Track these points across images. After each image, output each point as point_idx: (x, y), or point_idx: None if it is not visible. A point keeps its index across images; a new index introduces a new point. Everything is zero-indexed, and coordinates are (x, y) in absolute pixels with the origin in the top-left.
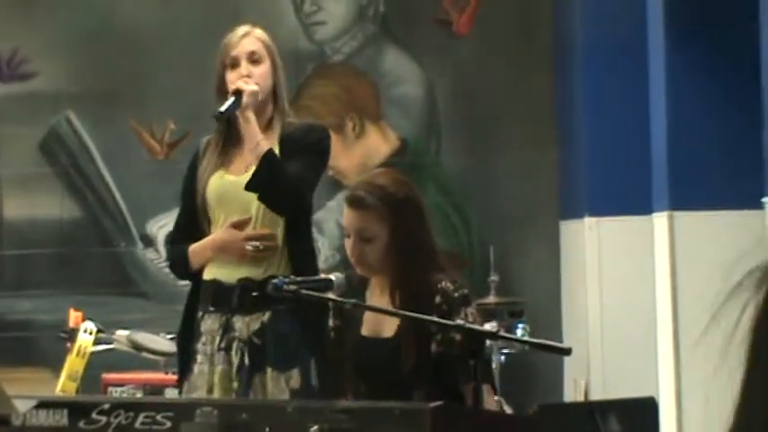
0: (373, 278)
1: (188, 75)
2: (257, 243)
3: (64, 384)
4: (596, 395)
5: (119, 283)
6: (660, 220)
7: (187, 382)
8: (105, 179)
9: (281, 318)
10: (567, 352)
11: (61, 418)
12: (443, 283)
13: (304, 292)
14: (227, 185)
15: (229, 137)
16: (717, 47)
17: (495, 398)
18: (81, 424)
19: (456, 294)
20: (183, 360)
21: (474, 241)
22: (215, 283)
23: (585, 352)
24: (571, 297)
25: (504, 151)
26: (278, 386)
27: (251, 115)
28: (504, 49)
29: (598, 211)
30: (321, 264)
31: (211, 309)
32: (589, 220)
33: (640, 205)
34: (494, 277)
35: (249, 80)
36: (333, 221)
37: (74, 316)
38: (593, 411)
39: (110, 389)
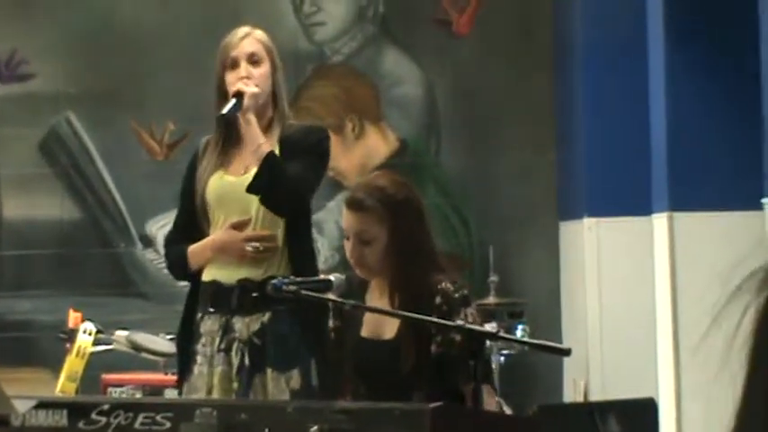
0: (373, 280)
1: (187, 75)
2: (257, 244)
3: (63, 385)
4: (596, 396)
5: (118, 284)
6: (660, 220)
7: (187, 383)
8: (105, 180)
9: (281, 318)
10: (567, 353)
11: (61, 419)
12: (443, 284)
13: (304, 292)
14: (227, 186)
15: (229, 137)
16: (717, 47)
17: (496, 398)
18: (80, 424)
19: (456, 295)
20: (183, 361)
21: (473, 242)
22: (214, 284)
23: (585, 353)
24: (571, 298)
25: (504, 152)
26: (278, 387)
27: (252, 117)
28: (504, 49)
29: (597, 212)
30: (321, 264)
31: (211, 310)
32: (588, 221)
33: (640, 206)
34: (493, 278)
35: (249, 82)
36: (332, 222)
37: (73, 316)
38: (593, 412)
39: (109, 389)
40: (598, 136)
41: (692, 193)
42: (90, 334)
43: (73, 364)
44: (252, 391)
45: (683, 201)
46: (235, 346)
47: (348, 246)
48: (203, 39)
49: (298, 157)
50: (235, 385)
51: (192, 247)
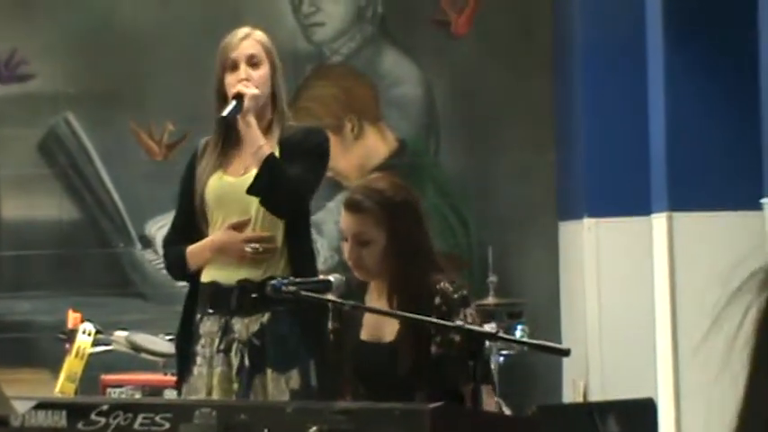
0: (372, 282)
1: (187, 76)
2: (257, 245)
3: (63, 385)
4: (595, 396)
5: (117, 284)
6: (659, 220)
7: (186, 384)
8: (104, 180)
9: (281, 319)
10: (566, 353)
11: (60, 419)
12: (442, 284)
13: (303, 293)
14: (226, 187)
15: (228, 138)
16: (716, 47)
17: (495, 399)
18: (80, 425)
19: (455, 295)
20: (182, 362)
21: (473, 242)
22: (213, 285)
23: (584, 353)
24: (570, 298)
25: (503, 152)
26: (278, 387)
27: (252, 120)
28: (503, 49)
29: (597, 212)
30: (320, 265)
31: (210, 311)
32: (588, 221)
33: (639, 206)
34: (493, 278)
35: (249, 84)
36: (332, 222)
37: (72, 317)
38: (592, 412)
39: (108, 390)
40: (597, 136)
41: (692, 194)
42: (89, 334)
43: (72, 365)
44: (252, 392)
45: (682, 201)
46: (234, 346)
47: (346, 247)
48: (202, 39)
49: (297, 158)
50: (235, 386)
51: (191, 248)
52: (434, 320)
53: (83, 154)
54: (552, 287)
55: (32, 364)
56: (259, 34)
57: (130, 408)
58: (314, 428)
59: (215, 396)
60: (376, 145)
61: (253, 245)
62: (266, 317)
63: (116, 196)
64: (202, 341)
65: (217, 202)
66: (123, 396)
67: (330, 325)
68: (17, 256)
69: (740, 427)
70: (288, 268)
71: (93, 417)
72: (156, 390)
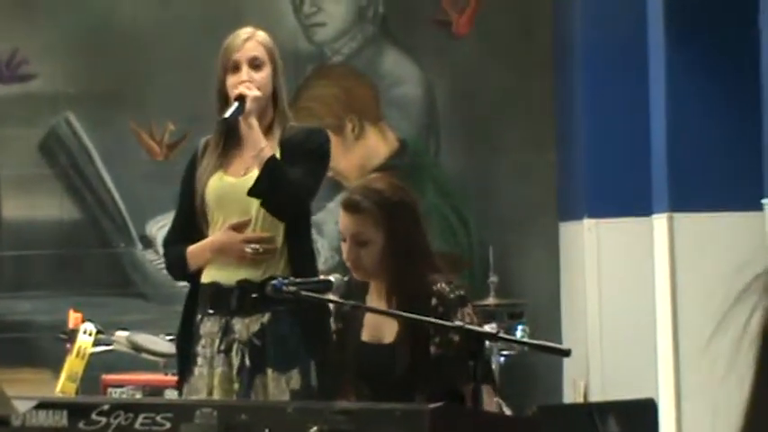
0: (372, 282)
1: (187, 76)
2: (257, 246)
3: (63, 385)
4: (595, 396)
5: (118, 284)
6: (660, 221)
7: (187, 384)
8: (104, 180)
9: (281, 319)
10: (567, 353)
11: (61, 419)
12: (439, 285)
13: (303, 293)
14: (227, 187)
15: (229, 138)
16: (717, 47)
17: (495, 399)
18: (80, 425)
19: (452, 296)
20: (183, 363)
21: (473, 242)
22: (214, 285)
23: (585, 353)
24: (570, 298)
25: (504, 152)
26: (278, 387)
27: (254, 122)
28: (504, 49)
29: (597, 213)
30: (320, 265)
31: (210, 311)
32: (588, 222)
33: (640, 207)
34: (493, 278)
35: (251, 85)
36: (332, 223)
37: (73, 317)
38: (593, 412)
39: (109, 390)
40: (598, 136)
41: (692, 194)
42: (90, 334)
43: (73, 365)
44: (253, 392)
45: (683, 201)
46: (235, 347)
47: (345, 247)
48: (203, 39)
49: (298, 160)
50: (235, 386)
51: (191, 248)
52: (435, 321)
53: (83, 154)
54: (553, 287)
55: (33, 364)
56: (261, 35)
57: (131, 408)
58: (314, 428)
59: (216, 396)
60: (377, 145)
61: (253, 245)
62: (267, 317)
63: (117, 196)
64: (203, 341)
65: (217, 202)
66: (124, 396)
67: (333, 326)
68: (18, 256)
69: (746, 427)
70: (288, 268)
71: (93, 416)
72: (157, 390)
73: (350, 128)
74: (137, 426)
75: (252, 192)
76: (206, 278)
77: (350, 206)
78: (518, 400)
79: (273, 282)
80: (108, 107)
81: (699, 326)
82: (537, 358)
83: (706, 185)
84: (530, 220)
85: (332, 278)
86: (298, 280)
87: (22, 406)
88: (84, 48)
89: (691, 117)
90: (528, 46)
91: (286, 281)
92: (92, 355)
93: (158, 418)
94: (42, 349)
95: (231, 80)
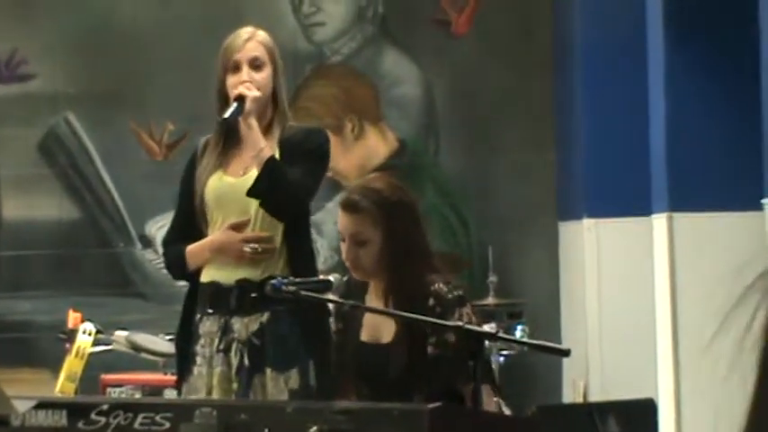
0: (371, 282)
1: (187, 76)
2: (256, 245)
3: (63, 385)
4: (595, 396)
5: (117, 284)
6: (659, 221)
7: (186, 384)
8: (104, 180)
9: (280, 318)
10: (566, 353)
11: (60, 419)
12: (437, 285)
13: (303, 293)
14: (226, 187)
15: (229, 138)
16: (716, 47)
17: (495, 399)
18: (80, 424)
19: (450, 296)
20: (182, 362)
21: (473, 242)
22: (213, 285)
23: (584, 353)
24: (570, 298)
25: (503, 152)
26: (277, 386)
27: (253, 122)
28: (504, 49)
29: (597, 213)
30: (320, 264)
31: (210, 311)
32: (588, 222)
33: (639, 206)
34: (492, 278)
35: (251, 86)
36: (332, 222)
37: (73, 317)
38: (592, 412)
39: (108, 389)
40: (597, 136)
41: (692, 194)
42: (89, 334)
43: (72, 365)
44: (251, 392)
45: (682, 201)
46: (234, 346)
47: (344, 247)
48: (203, 39)
49: (298, 160)
50: (234, 386)
51: (191, 248)
52: (435, 321)
53: (83, 154)
54: (552, 287)
55: (33, 364)
56: (262, 35)
57: (131, 407)
58: (314, 428)
59: (215, 396)
60: (376, 145)
61: (252, 245)
62: (266, 316)
63: (116, 196)
64: (202, 341)
65: (216, 202)
66: (123, 396)
67: (333, 326)
68: (17, 256)
69: (750, 426)
70: (287, 268)
71: (93, 416)
72: (156, 389)
73: (349, 128)
74: (136, 425)
75: (251, 192)
76: (205, 278)
77: (349, 206)
78: (517, 400)
79: (273, 281)
80: (107, 107)
81: (698, 326)
82: (536, 358)
83: (705, 185)
84: (529, 219)
85: (331, 278)
86: (297, 280)
87: (21, 406)
88: (84, 48)
89: (690, 117)
90: (527, 46)
91: (285, 280)
92: (91, 354)
93: (158, 418)
94: (41, 349)
95: (231, 80)
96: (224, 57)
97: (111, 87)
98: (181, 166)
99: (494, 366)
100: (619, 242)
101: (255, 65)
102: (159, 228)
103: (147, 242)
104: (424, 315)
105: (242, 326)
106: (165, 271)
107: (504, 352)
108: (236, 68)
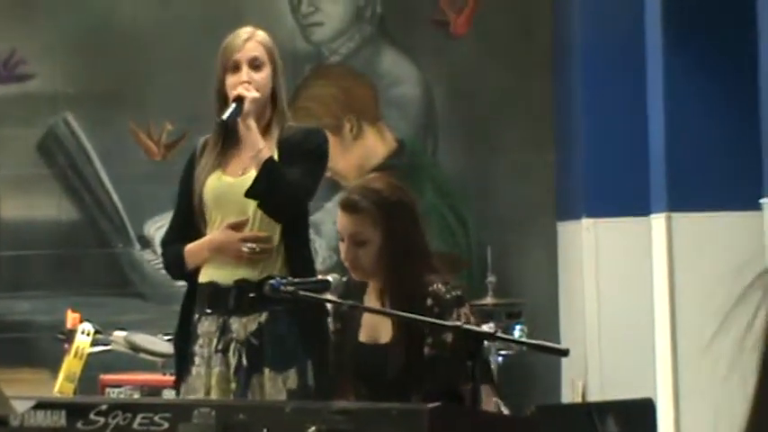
0: (370, 282)
1: (186, 76)
2: (253, 245)
3: (61, 385)
4: (594, 396)
5: (116, 285)
6: (658, 221)
7: (184, 384)
8: (103, 180)
9: (279, 318)
10: (565, 353)
11: (59, 419)
12: (435, 286)
13: (301, 293)
14: (224, 187)
15: (227, 138)
16: (715, 48)
17: (494, 399)
18: (79, 424)
19: (448, 296)
20: (180, 363)
21: (472, 242)
22: (211, 285)
23: (583, 353)
24: (569, 298)
25: (502, 152)
26: (275, 386)
27: (252, 123)
28: (502, 49)
29: (596, 213)
30: (318, 265)
31: (208, 311)
32: (587, 222)
33: (638, 206)
34: (491, 278)
35: (250, 87)
36: (330, 223)
37: (71, 317)
38: (591, 412)
39: (107, 390)
40: (597, 136)
41: (691, 194)
42: (88, 334)
43: (71, 365)
44: (249, 391)
45: (681, 201)
46: (232, 346)
47: (343, 247)
48: (202, 39)
49: (296, 161)
50: (233, 386)
51: (189, 247)
52: (434, 321)
53: (82, 154)
54: (551, 287)
55: (31, 364)
56: (261, 35)
57: (129, 407)
58: (312, 428)
59: (213, 396)
60: (375, 145)
61: (249, 244)
62: (264, 316)
63: (115, 196)
64: (200, 341)
65: (215, 202)
66: (122, 396)
67: (332, 326)
68: (16, 257)
69: (751, 425)
70: (285, 268)
71: (92, 416)
72: (155, 390)
73: (348, 128)
74: (135, 426)
75: (249, 193)
76: (204, 278)
77: (348, 206)
78: (516, 400)
79: (271, 281)
80: (106, 107)
81: (697, 326)
82: (535, 358)
83: (704, 185)
84: (528, 219)
85: (330, 278)
86: (296, 280)
87: (20, 406)
88: (83, 48)
89: (689, 117)
90: (526, 46)
91: (284, 281)
92: (90, 355)
93: (156, 418)
94: (40, 349)
95: (231, 80)
96: (223, 56)
97: (111, 87)
98: (179, 166)
99: (492, 366)
100: (618, 242)
101: (255, 65)
102: (158, 228)
103: (145, 242)
104: (422, 315)
105: (240, 326)
106: (163, 271)
107: (503, 352)
108: (236, 68)
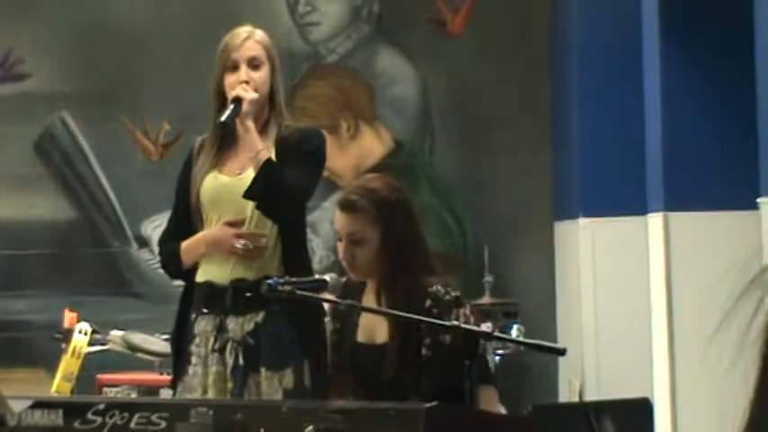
0: (368, 282)
1: (182, 75)
2: (247, 242)
3: (59, 385)
4: (591, 396)
5: (113, 284)
6: (655, 220)
7: (181, 383)
8: (99, 179)
9: (276, 318)
10: (562, 352)
11: (56, 419)
12: (434, 287)
13: (298, 292)
14: (221, 187)
15: (225, 138)
16: (712, 47)
17: (498, 404)
18: (76, 424)
19: (446, 297)
20: (177, 362)
21: (468, 242)
22: (208, 284)
23: (580, 352)
24: (565, 298)
25: (499, 152)
26: (272, 386)
27: (250, 124)
28: (499, 49)
29: (592, 212)
30: (315, 264)
31: (205, 311)
32: (583, 221)
33: (635, 206)
34: (488, 278)
35: (249, 87)
36: (327, 222)
37: (69, 316)
38: (588, 412)
39: (105, 389)
40: (593, 136)
41: (688, 193)
42: (85, 334)
43: (68, 364)
44: (246, 391)
45: (678, 201)
46: (229, 346)
47: (341, 247)
48: (199, 39)
49: (294, 161)
50: (229, 385)
51: (185, 243)
52: (432, 321)
53: (78, 153)
54: (548, 287)
55: (29, 364)
56: (260, 34)
57: (127, 407)
58: (310, 428)
59: (210, 395)
60: (372, 145)
61: (242, 241)
62: (261, 316)
63: (112, 196)
64: (197, 341)
65: (212, 201)
66: (119, 395)
67: (330, 325)
68: (13, 256)
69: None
70: (282, 268)
71: (89, 416)
72: (152, 389)
73: (345, 127)
74: (132, 425)
75: (247, 194)
76: (200, 278)
77: (346, 205)
78: (513, 400)
79: (269, 281)
80: (103, 107)
81: (694, 325)
82: (532, 357)
83: (701, 185)
84: (525, 219)
85: (327, 278)
86: (293, 279)
87: (17, 405)
88: (80, 47)
89: (686, 116)
90: (523, 46)
91: (281, 280)
92: (87, 354)
93: (154, 418)
94: (38, 349)
95: (229, 79)
96: (222, 55)
97: (107, 87)
98: (176, 165)
99: (491, 366)
100: (614, 242)
101: (254, 64)
102: (155, 227)
103: (142, 242)
104: (420, 316)
105: (237, 325)
106: (160, 271)
107: (500, 351)
108: (235, 67)
